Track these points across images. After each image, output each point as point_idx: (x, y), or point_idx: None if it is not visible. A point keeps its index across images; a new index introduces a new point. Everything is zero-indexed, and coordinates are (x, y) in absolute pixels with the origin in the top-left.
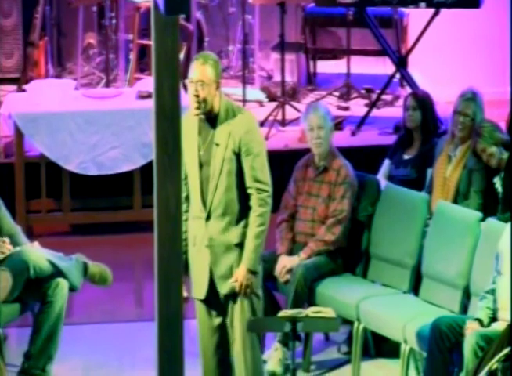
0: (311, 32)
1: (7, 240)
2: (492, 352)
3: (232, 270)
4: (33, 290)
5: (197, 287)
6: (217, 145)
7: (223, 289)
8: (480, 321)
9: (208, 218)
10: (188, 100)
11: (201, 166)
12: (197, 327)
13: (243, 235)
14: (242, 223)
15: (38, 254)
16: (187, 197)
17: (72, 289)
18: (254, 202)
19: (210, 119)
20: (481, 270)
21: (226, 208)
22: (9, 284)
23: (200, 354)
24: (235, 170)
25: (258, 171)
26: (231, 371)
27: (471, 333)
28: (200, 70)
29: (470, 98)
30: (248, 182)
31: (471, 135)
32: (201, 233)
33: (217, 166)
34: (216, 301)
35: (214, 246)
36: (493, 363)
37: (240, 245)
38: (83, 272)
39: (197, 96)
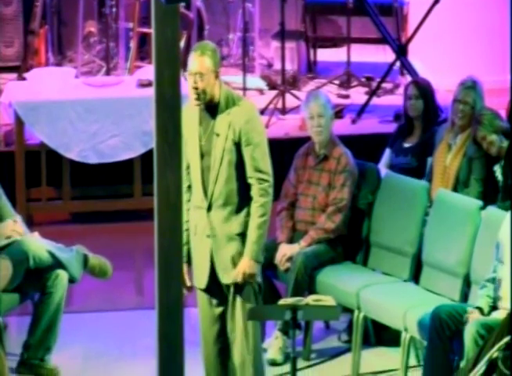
0: (312, 20)
1: (19, 219)
2: (492, 341)
3: (233, 260)
4: (32, 280)
5: (198, 277)
6: (217, 135)
7: (224, 279)
8: (480, 309)
9: (209, 208)
10: (187, 89)
11: (202, 156)
12: (198, 315)
13: (245, 225)
14: (243, 213)
15: (38, 245)
16: (189, 187)
17: (71, 280)
18: (255, 192)
19: (211, 108)
20: (481, 258)
21: (227, 198)
22: (9, 272)
23: (201, 342)
24: (235, 160)
25: (259, 161)
26: (231, 360)
27: (472, 321)
28: (198, 61)
29: (470, 86)
30: (249, 172)
31: (471, 124)
32: (202, 222)
33: (217, 156)
34: (217, 291)
35: (215, 236)
36: (493, 352)
37: (242, 235)
38: (83, 264)
39: (196, 88)
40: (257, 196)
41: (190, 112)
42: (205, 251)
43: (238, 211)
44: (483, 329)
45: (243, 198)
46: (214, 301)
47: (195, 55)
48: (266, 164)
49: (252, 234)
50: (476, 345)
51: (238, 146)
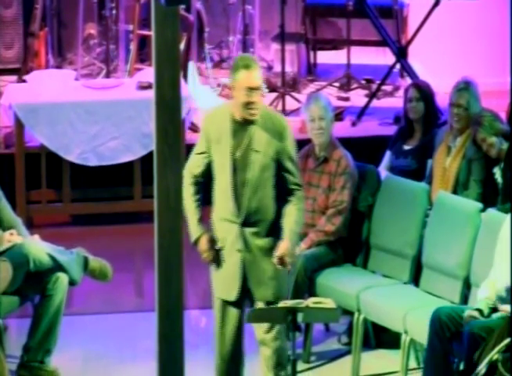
0: (312, 22)
1: (14, 231)
2: (492, 343)
3: (268, 275)
4: (33, 283)
5: (226, 289)
6: (256, 151)
7: (258, 294)
8: (480, 311)
9: (243, 223)
10: (187, 90)
11: (234, 170)
12: (216, 318)
13: (278, 240)
14: (275, 229)
15: (38, 248)
16: (197, 182)
17: (72, 283)
18: (293, 198)
19: (246, 122)
20: (481, 261)
21: (262, 214)
22: (10, 275)
23: (217, 343)
24: (271, 177)
25: (296, 176)
26: (243, 361)
27: (471, 323)
28: (256, 75)
29: (463, 88)
30: (287, 185)
31: (469, 125)
32: (232, 236)
33: (255, 172)
34: (242, 301)
35: (249, 251)
36: (494, 354)
37: (273, 250)
38: (83, 266)
39: (253, 103)
40: (296, 200)
41: (220, 121)
42: (235, 265)
43: (271, 226)
44: (483, 331)
45: (276, 214)
46: (236, 309)
47: (252, 69)
48: (300, 178)
49: (293, 226)
50: (476, 347)
51: (274, 162)
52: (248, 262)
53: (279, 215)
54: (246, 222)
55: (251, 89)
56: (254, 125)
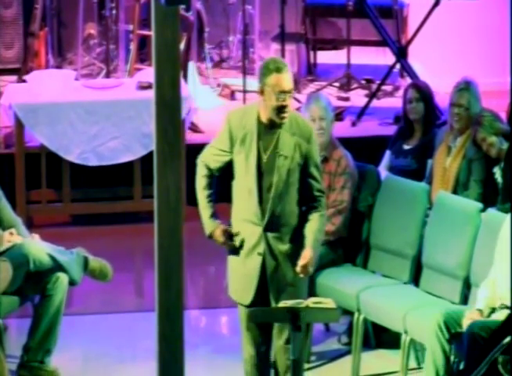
0: (312, 22)
1: (14, 231)
2: (492, 342)
3: (286, 281)
4: (33, 283)
5: (241, 293)
6: (283, 156)
7: (276, 300)
8: (481, 311)
9: (266, 227)
10: (187, 90)
11: (260, 173)
12: (240, 321)
13: (300, 245)
14: (297, 235)
15: (38, 248)
16: (210, 184)
17: (72, 283)
18: (317, 205)
19: (273, 126)
20: (481, 261)
21: (287, 219)
22: (10, 275)
23: (244, 348)
24: (297, 181)
25: (321, 182)
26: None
27: (471, 324)
28: (288, 79)
29: (464, 88)
30: (312, 191)
31: (469, 125)
32: (254, 239)
33: (282, 177)
34: (260, 305)
35: (269, 255)
36: (494, 353)
37: (297, 256)
38: (83, 266)
39: (286, 106)
40: (320, 207)
41: (245, 121)
42: (255, 269)
43: (294, 232)
44: (483, 331)
45: (299, 219)
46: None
47: (284, 72)
48: (324, 184)
49: (316, 234)
50: (476, 346)
51: (300, 167)
52: (269, 266)
53: (301, 220)
54: (269, 226)
55: (283, 93)
56: (280, 129)
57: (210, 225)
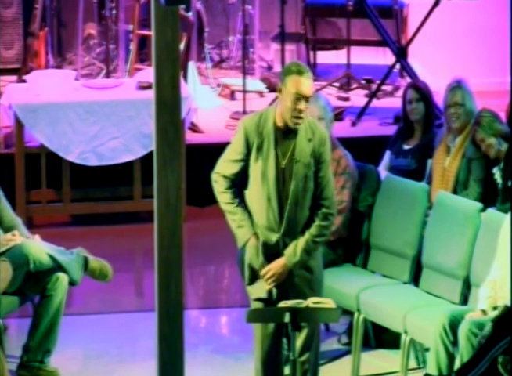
0: (312, 22)
1: (17, 232)
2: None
3: (304, 284)
4: (33, 283)
5: (259, 287)
6: (300, 162)
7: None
8: (484, 312)
9: (285, 232)
10: (187, 90)
11: (278, 180)
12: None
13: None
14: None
15: (39, 248)
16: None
17: (72, 283)
18: (318, 215)
19: (289, 130)
20: (481, 261)
21: (302, 224)
22: (10, 275)
23: (257, 348)
24: (312, 188)
25: (330, 189)
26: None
27: (465, 321)
28: (310, 84)
29: (456, 86)
30: (320, 199)
31: (468, 123)
32: (272, 244)
33: (300, 183)
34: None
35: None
36: (495, 351)
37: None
38: (83, 266)
39: (302, 111)
40: (316, 218)
41: (262, 127)
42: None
43: None
44: (477, 328)
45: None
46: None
47: (305, 76)
48: (333, 192)
49: (304, 244)
50: (470, 344)
51: (314, 173)
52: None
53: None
54: (287, 232)
55: (301, 96)
56: (296, 135)
57: (245, 233)
